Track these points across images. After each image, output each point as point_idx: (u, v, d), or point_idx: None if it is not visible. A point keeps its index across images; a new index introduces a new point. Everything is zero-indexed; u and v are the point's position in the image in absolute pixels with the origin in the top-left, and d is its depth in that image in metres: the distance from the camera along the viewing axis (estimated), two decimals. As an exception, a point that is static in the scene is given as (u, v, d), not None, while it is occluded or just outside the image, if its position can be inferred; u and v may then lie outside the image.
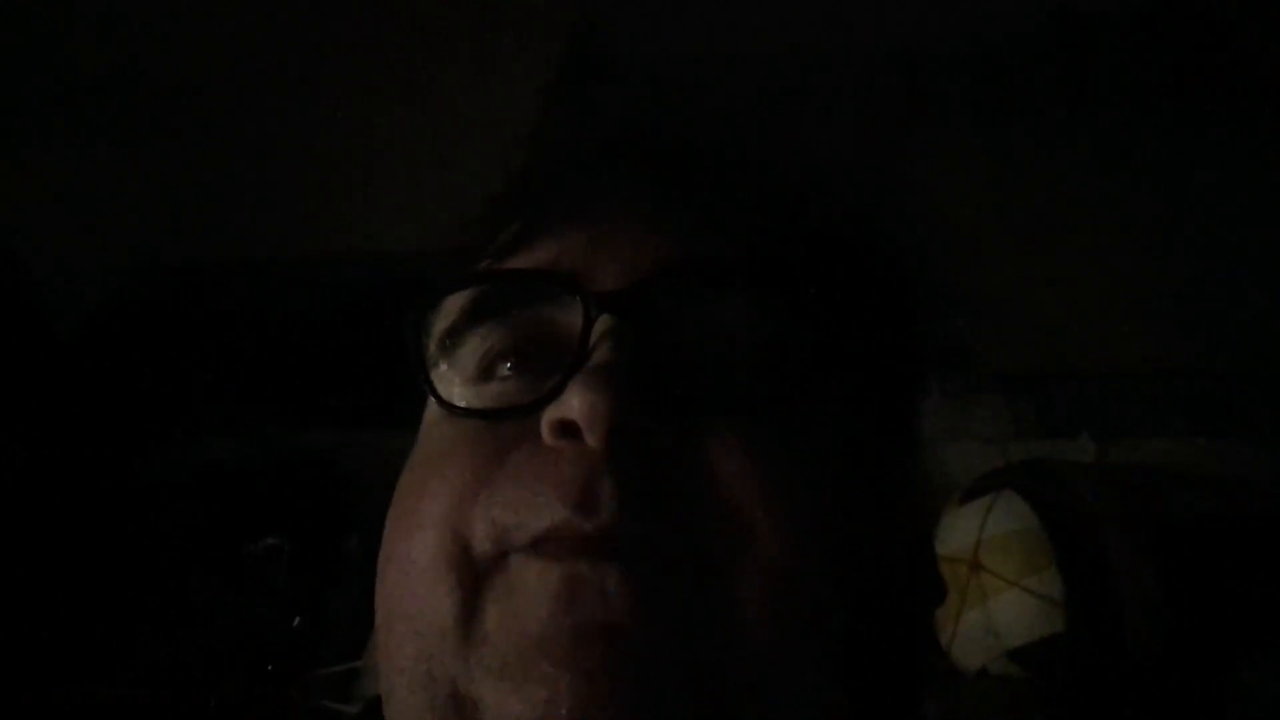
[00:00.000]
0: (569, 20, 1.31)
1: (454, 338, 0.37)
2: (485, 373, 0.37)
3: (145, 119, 1.37)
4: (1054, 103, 1.35)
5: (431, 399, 0.37)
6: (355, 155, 1.36)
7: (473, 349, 0.37)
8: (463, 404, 0.36)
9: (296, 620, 1.05)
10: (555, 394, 0.33)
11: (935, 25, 1.34)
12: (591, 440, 0.31)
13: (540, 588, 0.31)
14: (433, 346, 0.38)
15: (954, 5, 1.33)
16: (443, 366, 0.37)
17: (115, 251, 1.37)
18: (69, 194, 1.36)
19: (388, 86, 1.35)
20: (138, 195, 1.37)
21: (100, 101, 1.36)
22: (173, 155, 1.38)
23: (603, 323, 0.34)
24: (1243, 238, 1.21)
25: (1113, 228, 1.25)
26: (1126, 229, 1.25)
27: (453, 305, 0.37)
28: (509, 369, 0.36)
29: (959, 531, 0.94)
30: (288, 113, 1.37)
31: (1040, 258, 1.23)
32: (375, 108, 1.36)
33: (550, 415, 0.32)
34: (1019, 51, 1.36)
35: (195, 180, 1.37)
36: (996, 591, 0.90)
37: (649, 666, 0.30)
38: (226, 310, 1.38)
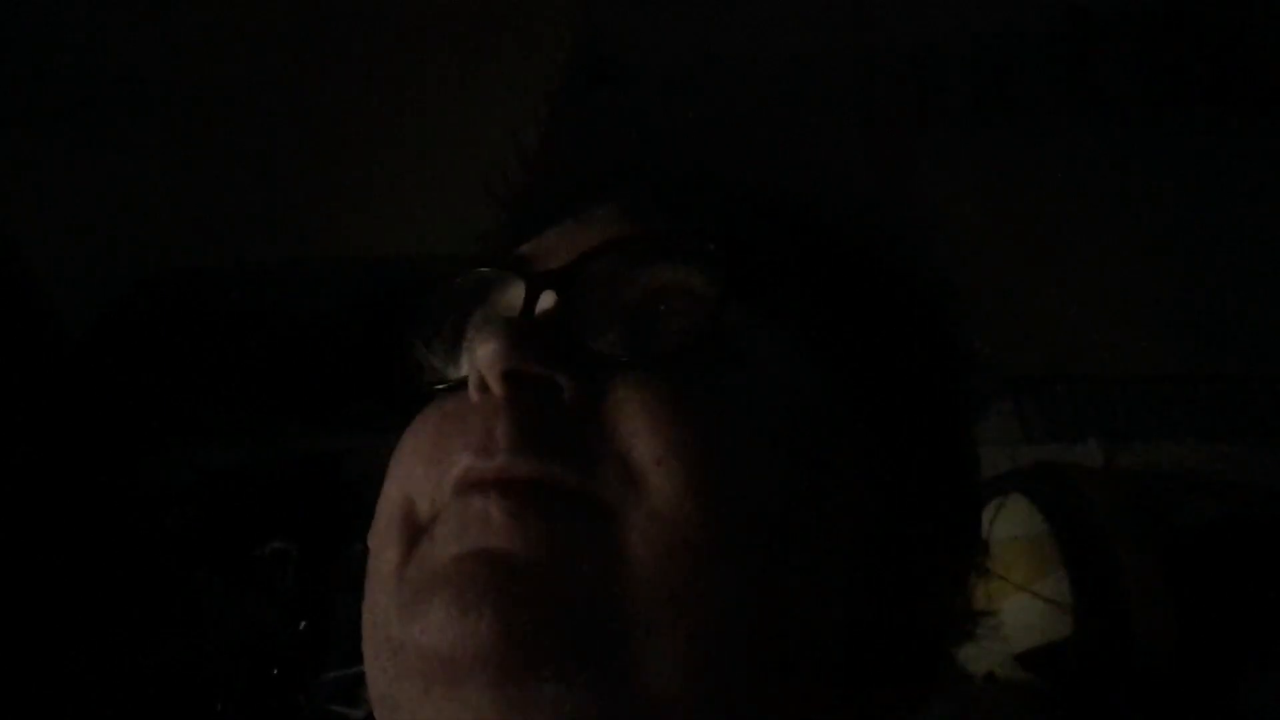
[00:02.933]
0: (573, 24, 1.31)
1: (443, 330, 0.39)
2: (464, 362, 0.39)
3: (151, 123, 1.37)
4: (1062, 104, 1.35)
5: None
6: (362, 158, 1.36)
7: (450, 341, 0.39)
8: (427, 383, 0.38)
9: (303, 624, 1.05)
10: None
11: (941, 25, 1.34)
12: (494, 386, 0.33)
13: (443, 527, 0.33)
14: (419, 343, 0.40)
15: (961, 5, 1.33)
16: (438, 358, 0.39)
17: (122, 255, 1.37)
18: (76, 198, 1.36)
19: (394, 90, 1.35)
20: (144, 199, 1.37)
21: (106, 105, 1.36)
22: (178, 159, 1.38)
23: (544, 299, 0.35)
24: (1253, 241, 1.21)
25: (1122, 231, 1.25)
26: (1136, 232, 1.25)
27: (434, 303, 0.40)
28: None
29: (966, 535, 0.94)
30: (294, 116, 1.37)
31: (1048, 260, 1.23)
32: (381, 111, 1.36)
33: (470, 373, 0.34)
34: (1027, 53, 1.36)
35: (201, 184, 1.37)
36: (1004, 595, 0.90)
37: (531, 593, 0.31)
38: (233, 314, 1.38)
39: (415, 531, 0.34)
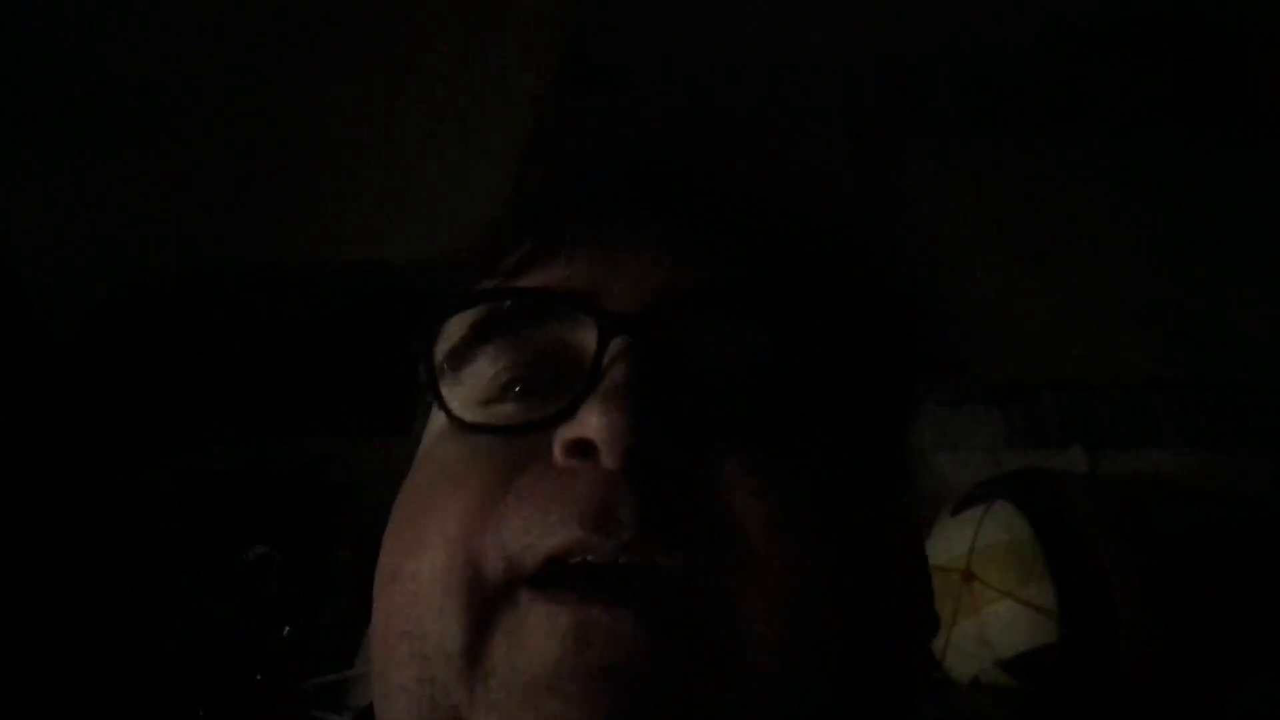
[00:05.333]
0: (566, 30, 1.31)
1: (463, 355, 0.37)
2: (492, 392, 0.36)
3: (140, 124, 1.37)
4: (1047, 115, 1.36)
5: (439, 413, 0.37)
6: (350, 162, 1.36)
7: (480, 368, 0.37)
8: (473, 421, 0.36)
9: (287, 629, 1.05)
10: (569, 413, 0.32)
11: (929, 37, 1.34)
12: (609, 461, 0.31)
13: (549, 626, 0.31)
14: (439, 363, 0.37)
15: (948, 18, 1.34)
16: (449, 383, 0.37)
17: (107, 258, 1.37)
18: (62, 200, 1.36)
19: (385, 93, 1.35)
20: (131, 201, 1.37)
21: (95, 106, 1.36)
22: (166, 161, 1.37)
23: (617, 344, 0.33)
24: (1234, 249, 1.22)
25: (1105, 239, 1.26)
26: (1119, 240, 1.26)
27: (461, 323, 0.37)
28: (516, 390, 0.36)
29: (952, 541, 0.94)
30: (283, 118, 1.37)
31: (1033, 269, 1.24)
32: (372, 114, 1.36)
33: (565, 434, 0.32)
34: (1012, 64, 1.37)
35: (188, 187, 1.37)
36: (989, 601, 0.90)
37: (656, 705, 0.30)
38: (219, 318, 1.37)
39: (483, 601, 0.32)
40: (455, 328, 0.37)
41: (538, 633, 0.31)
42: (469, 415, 0.36)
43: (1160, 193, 1.25)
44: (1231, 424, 1.15)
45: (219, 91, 1.35)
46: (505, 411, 0.36)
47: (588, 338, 0.34)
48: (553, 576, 0.31)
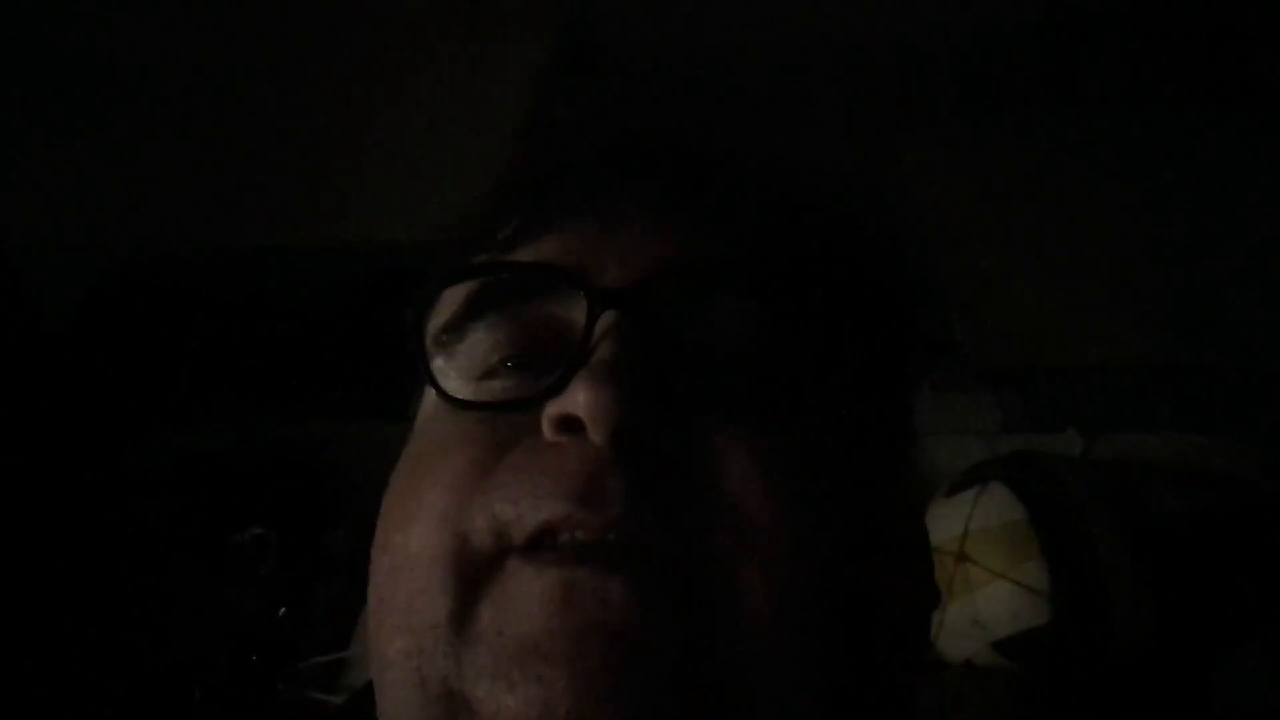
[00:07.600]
0: (561, 10, 1.31)
1: (453, 330, 0.37)
2: (485, 367, 0.36)
3: (133, 107, 1.36)
4: (1044, 99, 1.36)
5: (430, 390, 0.37)
6: (344, 143, 1.35)
7: (472, 343, 0.37)
8: (462, 397, 0.36)
9: (282, 611, 1.05)
10: (558, 389, 0.32)
11: (927, 21, 1.34)
12: (596, 437, 0.31)
13: (537, 589, 0.31)
14: (432, 338, 0.37)
15: (946, 1, 1.34)
16: (441, 359, 0.37)
17: (101, 240, 1.36)
18: (54, 182, 1.35)
19: (380, 74, 1.35)
20: (125, 183, 1.36)
21: (87, 88, 1.35)
22: (160, 143, 1.37)
23: (606, 319, 0.33)
24: (1232, 234, 1.22)
25: (1102, 223, 1.26)
26: (1116, 225, 1.26)
27: (453, 297, 0.37)
28: (508, 365, 0.36)
29: (946, 523, 0.94)
30: (277, 100, 1.36)
31: (1029, 253, 1.24)
32: (367, 95, 1.35)
33: (553, 410, 0.32)
34: (1010, 48, 1.36)
35: (182, 169, 1.36)
36: (983, 583, 0.91)
37: (648, 668, 0.30)
38: (214, 300, 1.37)
39: (471, 571, 0.32)
40: (448, 302, 0.37)
41: (524, 595, 0.31)
42: (462, 391, 0.36)
43: (1157, 177, 1.25)
44: (1226, 409, 1.16)
45: (213, 73, 1.34)
46: (497, 387, 0.36)
47: (578, 313, 0.34)
48: (540, 549, 0.32)
